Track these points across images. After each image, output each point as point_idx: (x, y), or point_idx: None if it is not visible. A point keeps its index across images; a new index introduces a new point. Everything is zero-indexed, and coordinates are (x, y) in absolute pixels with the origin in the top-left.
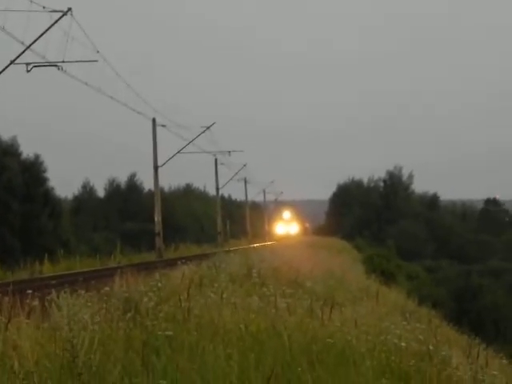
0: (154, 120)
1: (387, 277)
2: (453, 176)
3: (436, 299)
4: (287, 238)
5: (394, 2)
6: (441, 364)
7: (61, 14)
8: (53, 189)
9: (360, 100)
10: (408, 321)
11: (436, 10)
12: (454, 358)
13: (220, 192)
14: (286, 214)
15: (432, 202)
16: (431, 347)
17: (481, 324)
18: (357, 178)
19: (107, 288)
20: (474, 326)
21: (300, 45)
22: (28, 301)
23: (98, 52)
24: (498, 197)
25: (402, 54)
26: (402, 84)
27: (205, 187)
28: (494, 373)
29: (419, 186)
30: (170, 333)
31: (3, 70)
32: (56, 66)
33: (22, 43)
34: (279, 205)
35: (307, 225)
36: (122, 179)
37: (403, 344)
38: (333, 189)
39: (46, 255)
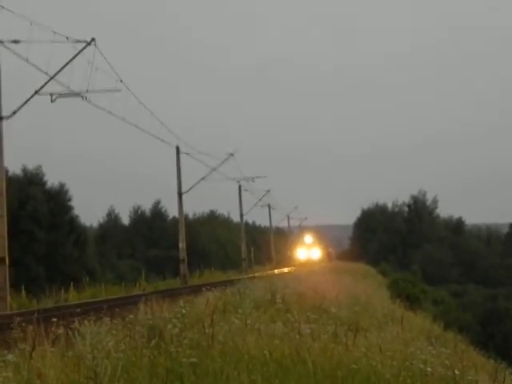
0: (177, 148)
1: (412, 302)
2: (478, 200)
3: (462, 324)
4: (309, 263)
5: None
6: None
7: (84, 44)
8: (78, 217)
9: (384, 125)
10: (434, 346)
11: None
12: (481, 382)
13: (244, 218)
14: (308, 238)
15: (457, 226)
16: (457, 372)
17: (507, 348)
18: (381, 202)
19: (132, 315)
20: (501, 350)
21: (325, 68)
22: (53, 329)
23: (121, 81)
24: None
25: (428, 78)
26: (426, 108)
27: (229, 213)
28: None
29: (444, 210)
30: (194, 359)
31: (28, 100)
32: (80, 95)
33: (46, 74)
34: (302, 229)
35: (330, 249)
36: (147, 207)
37: (429, 369)
38: (357, 214)
39: (72, 283)
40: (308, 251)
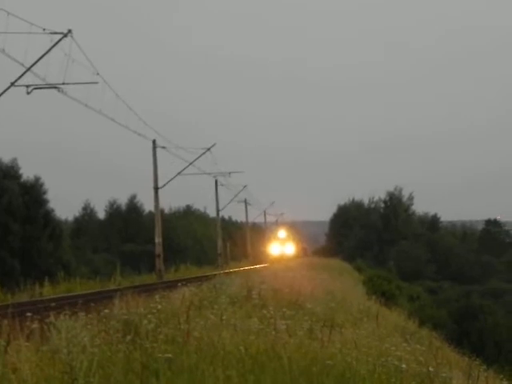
0: (154, 142)
1: (388, 298)
2: (453, 197)
3: (437, 320)
4: (282, 259)
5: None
6: None
7: (61, 35)
8: (53, 211)
9: (360, 121)
10: (409, 342)
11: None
12: (455, 379)
13: (220, 213)
14: (282, 232)
15: (432, 222)
16: (432, 369)
17: (482, 345)
18: (357, 198)
19: (107, 310)
20: (475, 347)
21: (300, 66)
22: (28, 323)
23: (97, 74)
24: (498, 218)
25: (409, 77)
26: (401, 106)
27: (205, 208)
28: None
29: (419, 207)
30: (169, 355)
31: (3, 92)
32: (56, 87)
33: (22, 65)
34: (276, 225)
35: (305, 245)
36: (123, 201)
37: (404, 366)
38: (333, 210)
39: (47, 277)
40: (281, 246)
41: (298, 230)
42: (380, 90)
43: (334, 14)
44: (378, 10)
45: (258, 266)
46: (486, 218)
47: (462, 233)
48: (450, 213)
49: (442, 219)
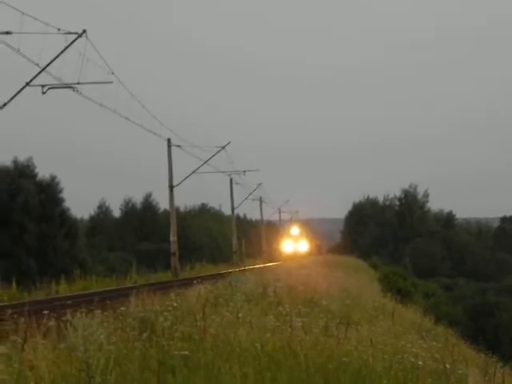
0: (169, 140)
1: (403, 295)
2: (468, 194)
3: (453, 317)
4: (295, 257)
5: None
6: (457, 382)
7: (76, 35)
8: (69, 209)
9: (374, 118)
10: (424, 339)
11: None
12: (471, 376)
13: (235, 211)
14: (295, 229)
15: (448, 220)
16: (448, 366)
17: (498, 342)
18: (372, 196)
19: (123, 308)
20: (491, 344)
21: (314, 63)
22: (44, 321)
23: (112, 73)
24: None
25: (421, 75)
26: (415, 100)
27: (220, 207)
28: None
29: (434, 204)
30: (185, 352)
31: (19, 91)
32: (71, 87)
33: (38, 65)
34: (289, 222)
35: (319, 242)
36: (138, 199)
37: (420, 363)
38: (348, 207)
39: (63, 275)
40: (294, 244)
41: (312, 227)
42: (396, 85)
43: (334, 13)
44: (378, 10)
45: (272, 264)
46: (501, 215)
47: (478, 230)
48: (465, 210)
49: (458, 216)
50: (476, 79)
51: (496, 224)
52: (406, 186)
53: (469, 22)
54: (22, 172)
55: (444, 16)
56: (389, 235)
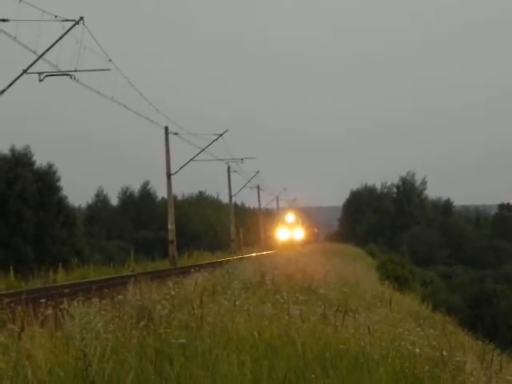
0: (166, 128)
1: (401, 283)
2: (466, 181)
3: (450, 305)
4: (290, 244)
5: None
6: (455, 370)
7: (73, 23)
8: (66, 198)
9: (372, 105)
10: (422, 327)
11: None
12: (469, 363)
13: (233, 199)
14: (290, 216)
15: (445, 207)
16: (445, 353)
17: (495, 329)
18: (370, 183)
19: (121, 296)
20: (489, 332)
21: (306, 49)
22: (42, 310)
23: (110, 61)
24: (511, 202)
25: (422, 57)
26: (414, 86)
27: (218, 195)
28: (509, 378)
29: (432, 192)
30: (183, 340)
31: (16, 79)
32: (68, 75)
33: (35, 52)
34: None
35: (316, 230)
36: (136, 187)
37: (417, 350)
38: (346, 195)
39: (60, 264)
40: (290, 231)
41: (309, 214)
42: (396, 70)
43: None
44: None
45: (270, 252)
46: (499, 202)
47: (476, 217)
48: (463, 197)
49: (455, 204)
50: (479, 64)
51: (494, 211)
52: (404, 174)
53: None
54: (20, 160)
55: None
56: (386, 223)
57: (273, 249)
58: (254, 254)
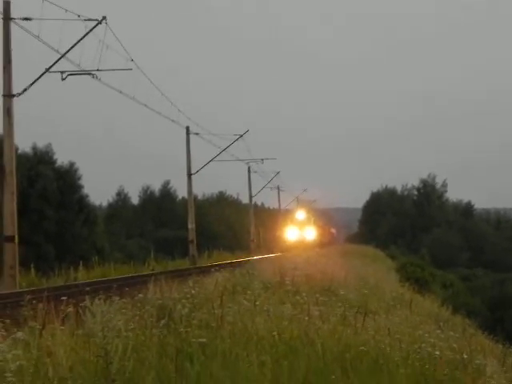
0: (187, 128)
1: (421, 285)
2: (487, 184)
3: (471, 308)
4: (301, 247)
5: None
6: (475, 373)
7: (95, 22)
8: (87, 196)
9: (394, 108)
10: (442, 329)
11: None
12: (489, 366)
13: (253, 200)
14: (301, 213)
15: (466, 210)
16: (465, 356)
17: None
18: (390, 185)
19: (141, 295)
20: (509, 335)
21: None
22: (63, 307)
23: (132, 60)
24: None
25: (443, 53)
26: (438, 90)
27: (238, 195)
28: None
29: (453, 194)
30: (203, 340)
31: (38, 77)
32: (91, 74)
33: (57, 51)
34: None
35: (334, 230)
36: (156, 187)
37: (437, 353)
38: (366, 197)
39: (81, 262)
40: (300, 231)
41: (329, 215)
42: (418, 67)
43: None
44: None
45: (289, 253)
46: None
47: (496, 220)
48: (483, 200)
49: (476, 206)
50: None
51: None
52: (425, 176)
53: None
54: (41, 158)
55: None
56: (407, 225)
57: (276, 252)
58: (273, 255)
